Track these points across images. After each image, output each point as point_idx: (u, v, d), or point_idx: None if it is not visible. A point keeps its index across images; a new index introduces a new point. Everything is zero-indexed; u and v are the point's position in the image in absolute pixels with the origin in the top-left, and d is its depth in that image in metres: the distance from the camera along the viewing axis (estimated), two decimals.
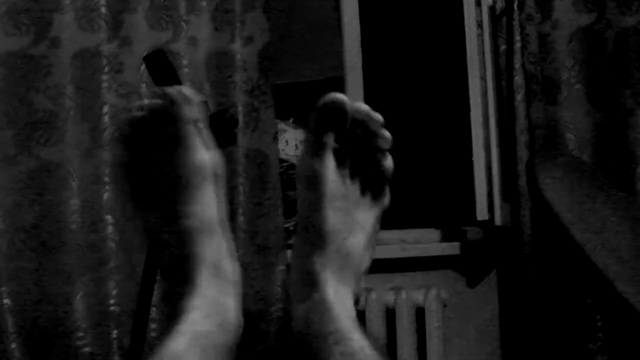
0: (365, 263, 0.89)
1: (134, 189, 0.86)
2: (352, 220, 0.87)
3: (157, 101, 0.84)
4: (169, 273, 0.85)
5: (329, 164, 0.86)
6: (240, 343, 0.86)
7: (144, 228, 0.87)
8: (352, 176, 0.88)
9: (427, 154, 3.27)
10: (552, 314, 2.36)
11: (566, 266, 2.32)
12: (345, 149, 0.86)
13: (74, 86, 2.30)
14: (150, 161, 0.85)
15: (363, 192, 0.88)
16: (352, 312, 0.83)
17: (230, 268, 0.85)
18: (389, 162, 0.88)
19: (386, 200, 0.90)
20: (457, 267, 2.56)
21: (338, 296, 0.83)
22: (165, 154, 0.84)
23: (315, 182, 0.86)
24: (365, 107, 0.86)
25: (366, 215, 0.88)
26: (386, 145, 0.87)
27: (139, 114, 0.85)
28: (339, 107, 0.84)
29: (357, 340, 0.78)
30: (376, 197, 0.89)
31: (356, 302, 0.86)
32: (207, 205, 0.85)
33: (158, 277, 1.65)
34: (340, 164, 0.87)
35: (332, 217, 0.85)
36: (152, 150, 0.84)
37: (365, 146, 0.87)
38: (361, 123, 0.86)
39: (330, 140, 0.85)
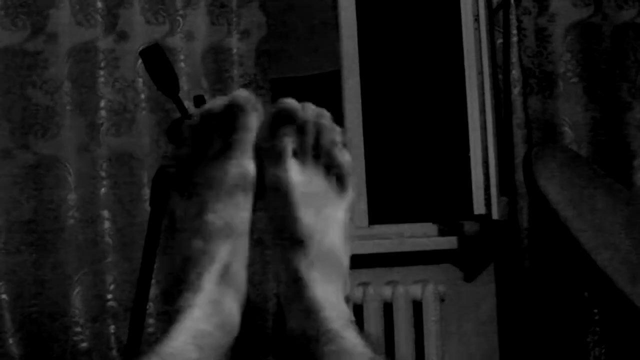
0: (347, 257, 0.89)
1: (179, 176, 0.88)
2: (325, 216, 0.88)
3: (225, 106, 0.87)
4: (179, 268, 0.85)
5: (292, 167, 0.88)
6: (237, 341, 0.86)
7: (174, 216, 0.88)
8: (316, 174, 0.89)
9: (425, 149, 3.27)
10: (549, 307, 2.36)
11: (563, 260, 2.33)
12: (304, 149, 0.89)
13: (70, 81, 2.29)
14: (202, 158, 0.87)
15: (330, 188, 0.90)
16: (343, 310, 0.83)
17: (240, 275, 0.86)
18: (346, 156, 0.90)
19: (352, 192, 0.92)
20: (454, 261, 2.57)
21: (327, 295, 0.84)
22: (219, 155, 0.87)
23: (281, 187, 0.87)
24: (312, 108, 0.89)
25: (337, 210, 0.90)
26: (339, 138, 0.90)
27: (199, 120, 0.88)
28: (289, 112, 0.88)
29: (349, 338, 0.77)
30: (342, 190, 0.91)
31: (346, 300, 0.87)
32: (236, 211, 0.86)
33: (154, 273, 1.65)
34: (302, 164, 0.88)
35: (306, 218, 0.87)
36: (207, 148, 0.87)
37: (323, 143, 0.89)
38: (314, 122, 0.89)
39: (288, 144, 0.87)
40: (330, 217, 0.89)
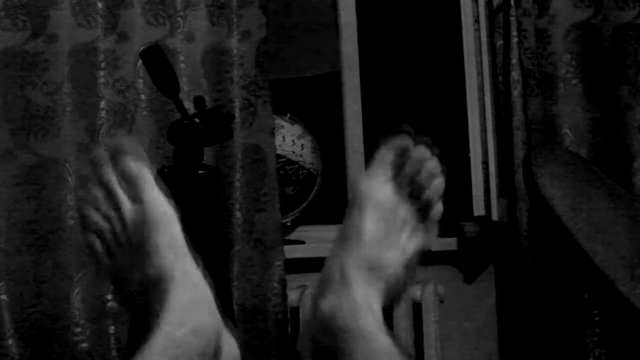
0: (400, 283, 0.94)
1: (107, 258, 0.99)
2: (394, 238, 0.93)
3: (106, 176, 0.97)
4: (140, 293, 0.88)
5: (385, 185, 0.95)
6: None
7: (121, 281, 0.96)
8: (404, 206, 0.95)
9: None
10: (549, 309, 2.36)
11: (563, 261, 2.32)
12: (401, 181, 0.96)
13: (70, 82, 2.29)
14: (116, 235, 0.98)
15: (411, 222, 0.95)
16: (378, 315, 0.87)
17: (201, 280, 0.90)
18: (438, 205, 0.97)
19: (431, 236, 0.97)
20: (454, 262, 2.57)
21: (366, 297, 0.87)
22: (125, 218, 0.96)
23: (362, 200, 0.94)
24: (422, 151, 0.97)
25: (409, 241, 0.94)
26: (438, 185, 0.97)
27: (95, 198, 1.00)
28: (400, 148, 0.96)
29: (382, 339, 0.81)
30: (424, 230, 0.97)
31: (384, 309, 0.90)
32: (174, 240, 0.92)
33: None
34: (394, 190, 0.95)
35: (371, 224, 0.92)
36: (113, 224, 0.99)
37: (421, 185, 0.96)
38: (417, 162, 0.96)
39: (387, 170, 0.96)
40: (397, 240, 0.93)
